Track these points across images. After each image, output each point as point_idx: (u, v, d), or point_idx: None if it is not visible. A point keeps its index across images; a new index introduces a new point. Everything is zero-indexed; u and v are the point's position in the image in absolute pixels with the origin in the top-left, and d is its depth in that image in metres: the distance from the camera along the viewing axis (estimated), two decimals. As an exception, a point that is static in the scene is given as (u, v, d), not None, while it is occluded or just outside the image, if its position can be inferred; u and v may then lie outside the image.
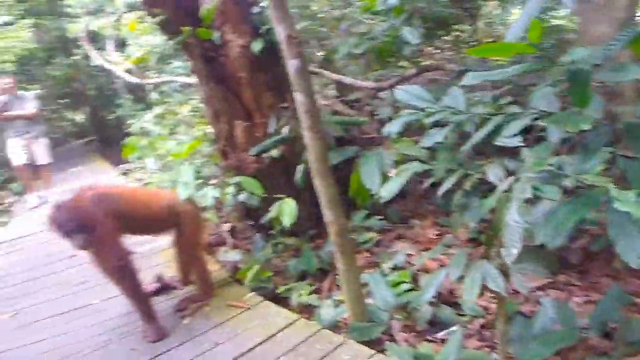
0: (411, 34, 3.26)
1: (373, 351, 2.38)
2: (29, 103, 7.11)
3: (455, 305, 2.77)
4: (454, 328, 2.53)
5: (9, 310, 3.73)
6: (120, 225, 2.85)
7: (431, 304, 2.69)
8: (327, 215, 2.44)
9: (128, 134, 7.50)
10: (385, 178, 2.54)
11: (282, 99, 3.64)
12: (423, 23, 3.88)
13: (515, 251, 1.65)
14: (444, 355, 2.13)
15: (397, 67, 5.11)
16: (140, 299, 2.92)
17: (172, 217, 3.16)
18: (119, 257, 2.81)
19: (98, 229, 2.70)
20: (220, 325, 2.91)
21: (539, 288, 2.75)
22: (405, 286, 2.91)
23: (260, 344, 2.63)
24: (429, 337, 2.57)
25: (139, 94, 10.31)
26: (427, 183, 2.15)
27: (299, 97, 2.23)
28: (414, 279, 3.05)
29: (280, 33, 2.13)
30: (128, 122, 8.76)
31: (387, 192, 2.01)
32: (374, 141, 4.25)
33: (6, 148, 7.35)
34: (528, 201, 1.59)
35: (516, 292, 2.42)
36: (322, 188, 2.42)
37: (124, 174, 8.91)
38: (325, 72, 4.60)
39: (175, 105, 6.46)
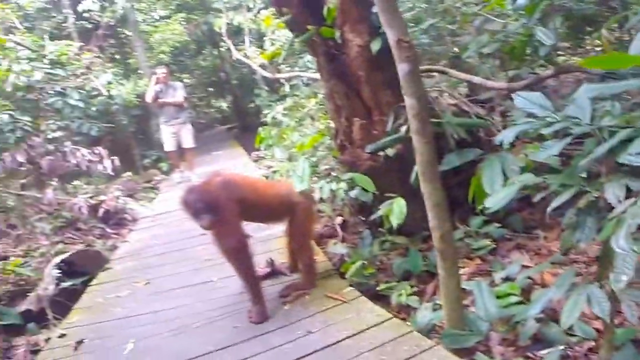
0: (545, 34, 3.06)
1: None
2: (178, 92, 8.11)
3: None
4: (557, 348, 2.37)
5: (144, 278, 4.29)
6: (241, 210, 3.12)
7: (538, 320, 2.55)
8: (432, 219, 2.42)
9: (264, 123, 8.07)
10: (507, 182, 2.43)
11: (401, 98, 3.63)
12: (565, 21, 3.60)
13: (625, 278, 1.52)
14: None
15: (537, 66, 4.82)
16: (252, 280, 3.16)
17: (287, 208, 3.38)
18: (237, 239, 3.08)
19: (221, 211, 2.98)
20: (315, 315, 3.04)
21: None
22: (513, 299, 2.78)
23: (349, 337, 2.71)
24: (529, 354, 2.44)
25: (274, 86, 10.95)
26: (538, 197, 2.03)
27: (407, 101, 2.25)
28: (526, 293, 2.89)
29: (390, 37, 2.15)
30: (264, 111, 9.39)
31: (492, 203, 1.94)
32: (502, 145, 4.06)
33: (160, 132, 8.50)
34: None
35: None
36: (428, 192, 2.41)
37: (256, 160, 9.58)
38: (452, 71, 4.48)
39: (303, 99, 6.78)
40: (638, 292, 1.69)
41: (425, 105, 2.30)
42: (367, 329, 2.77)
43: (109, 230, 6.72)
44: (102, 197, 6.92)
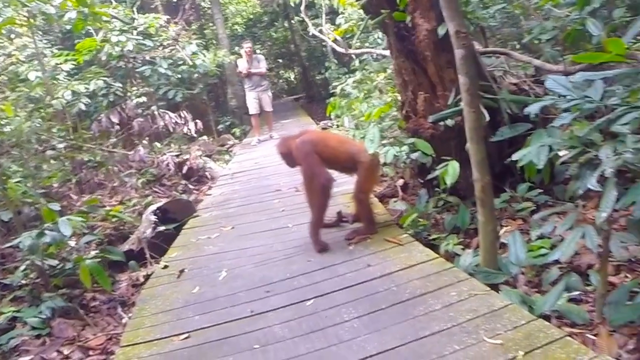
0: (594, 25, 3.57)
1: (488, 288, 2.94)
2: (261, 63, 9.86)
3: (586, 276, 3.10)
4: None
5: (230, 224, 5.23)
6: (319, 157, 4.08)
7: (561, 269, 3.15)
8: (475, 173, 3.11)
9: (332, 94, 8.93)
10: (556, 157, 3.03)
11: (463, 76, 4.30)
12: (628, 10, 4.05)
13: (604, 215, 2.23)
14: (543, 301, 2.70)
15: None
16: (320, 214, 4.09)
17: (353, 164, 4.24)
18: (325, 177, 4.03)
19: (305, 159, 4.06)
20: (374, 253, 3.78)
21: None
22: (543, 251, 3.33)
23: (401, 269, 3.40)
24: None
25: (343, 60, 11.70)
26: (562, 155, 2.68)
27: (461, 79, 2.97)
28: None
29: (450, 28, 2.88)
30: (333, 84, 10.26)
31: (518, 156, 2.66)
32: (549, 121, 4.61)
33: (245, 98, 10.40)
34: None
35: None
36: (473, 150, 3.10)
37: (324, 129, 10.46)
38: (514, 54, 5.04)
39: (372, 73, 7.51)
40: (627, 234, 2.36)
41: (475, 83, 3.01)
42: (417, 264, 3.44)
43: (190, 186, 7.81)
44: (185, 156, 8.00)
